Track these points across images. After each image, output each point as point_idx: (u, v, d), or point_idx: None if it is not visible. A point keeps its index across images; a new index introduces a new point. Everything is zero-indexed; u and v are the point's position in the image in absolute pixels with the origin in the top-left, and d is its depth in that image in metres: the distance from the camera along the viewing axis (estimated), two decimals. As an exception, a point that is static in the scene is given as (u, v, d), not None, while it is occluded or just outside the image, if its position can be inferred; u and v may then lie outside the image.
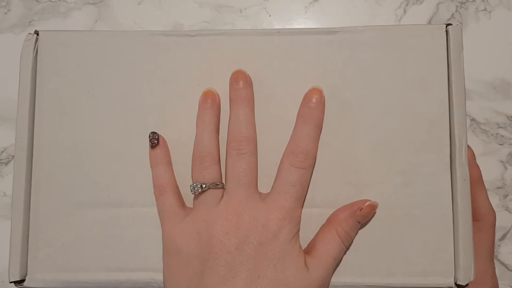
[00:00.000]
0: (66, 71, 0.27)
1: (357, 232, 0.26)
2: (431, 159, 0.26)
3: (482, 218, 0.31)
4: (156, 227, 0.26)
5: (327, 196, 0.26)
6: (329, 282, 0.25)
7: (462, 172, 0.25)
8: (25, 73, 0.27)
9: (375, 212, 0.26)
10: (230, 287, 0.23)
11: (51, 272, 0.26)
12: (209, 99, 0.26)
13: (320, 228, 0.26)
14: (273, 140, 0.26)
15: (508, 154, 0.41)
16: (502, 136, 0.42)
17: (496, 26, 0.43)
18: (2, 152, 0.43)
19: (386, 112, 0.26)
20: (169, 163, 0.27)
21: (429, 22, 0.43)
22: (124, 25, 0.43)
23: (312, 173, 0.26)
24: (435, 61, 0.26)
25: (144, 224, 0.27)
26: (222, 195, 0.26)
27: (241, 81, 0.26)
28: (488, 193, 0.32)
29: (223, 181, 0.26)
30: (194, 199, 0.26)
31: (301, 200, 0.26)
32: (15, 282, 0.26)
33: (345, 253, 0.26)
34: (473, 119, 0.42)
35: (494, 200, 0.40)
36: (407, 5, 0.43)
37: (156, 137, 0.26)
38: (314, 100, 0.26)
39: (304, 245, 0.26)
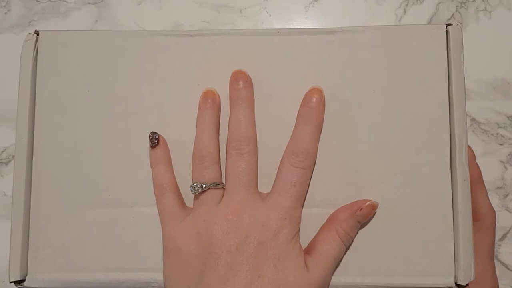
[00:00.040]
0: (66, 71, 0.27)
1: (357, 232, 0.26)
2: (431, 159, 0.26)
3: (482, 218, 0.31)
4: (156, 227, 0.26)
5: (327, 196, 0.26)
6: (329, 282, 0.25)
7: (462, 172, 0.25)
8: (25, 73, 0.27)
9: (375, 212, 0.26)
10: (230, 287, 0.23)
11: (51, 272, 0.26)
12: (209, 99, 0.26)
13: (320, 228, 0.26)
14: (273, 140, 0.26)
15: (508, 154, 0.41)
16: (502, 136, 0.42)
17: (496, 26, 0.43)
18: (2, 152, 0.43)
19: (386, 112, 0.26)
20: (169, 163, 0.27)
21: (429, 22, 0.43)
22: (124, 25, 0.43)
23: (312, 173, 0.26)
24: (435, 61, 0.26)
25: (144, 224, 0.27)
26: (222, 195, 0.26)
27: (241, 81, 0.26)
28: (488, 193, 0.32)
29: (223, 181, 0.26)
30: (194, 199, 0.26)
31: (301, 200, 0.26)
32: (15, 282, 0.26)
33: (345, 253, 0.26)
34: (473, 119, 0.42)
35: (494, 200, 0.40)
36: (407, 5, 0.43)
37: (156, 137, 0.26)
38: (314, 100, 0.26)
39: (304, 245, 0.26)
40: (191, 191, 0.25)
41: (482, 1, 0.43)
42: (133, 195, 0.27)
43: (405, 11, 0.43)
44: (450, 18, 0.43)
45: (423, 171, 0.26)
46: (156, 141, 0.26)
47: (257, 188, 0.26)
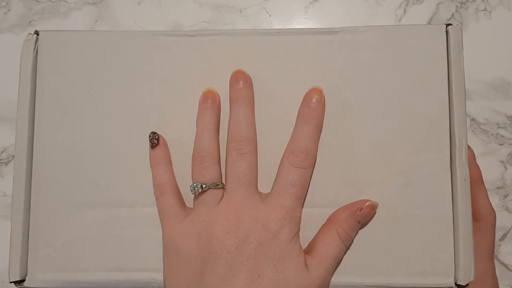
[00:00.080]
0: (66, 71, 0.27)
1: (357, 232, 0.26)
2: (431, 159, 0.26)
3: (482, 218, 0.31)
4: (156, 227, 0.26)
5: (327, 196, 0.26)
6: (329, 282, 0.25)
7: (462, 172, 0.25)
8: (25, 73, 0.27)
9: (375, 212, 0.26)
10: (230, 287, 0.23)
11: (51, 272, 0.26)
12: (209, 99, 0.26)
13: (320, 228, 0.26)
14: (273, 140, 0.26)
15: (508, 154, 0.41)
16: (502, 136, 0.42)
17: (496, 26, 0.43)
18: (2, 152, 0.43)
19: (386, 112, 0.26)
20: (169, 163, 0.27)
21: (429, 22, 0.43)
22: (124, 25, 0.43)
23: (312, 173, 0.26)
24: (435, 61, 0.26)
25: (144, 224, 0.27)
26: (222, 195, 0.25)
27: (241, 81, 0.26)
28: (488, 193, 0.32)
29: (223, 181, 0.26)
30: (194, 199, 0.26)
31: (301, 200, 0.26)
32: (15, 282, 0.26)
33: (345, 253, 0.26)
34: (473, 119, 0.42)
35: (494, 200, 0.40)
36: (407, 5, 0.43)
37: (156, 137, 0.26)
38: (314, 100, 0.26)
39: (304, 245, 0.26)
40: (191, 191, 0.25)
41: (482, 1, 0.43)
42: (133, 195, 0.27)
43: (405, 11, 0.43)
44: (450, 18, 0.43)
45: (423, 171, 0.26)
46: (156, 141, 0.26)
47: (257, 188, 0.26)
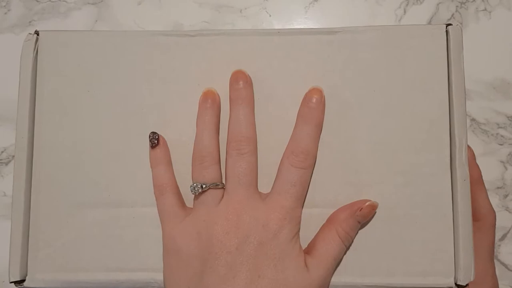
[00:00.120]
0: (66, 71, 0.27)
1: (357, 232, 0.26)
2: (431, 159, 0.26)
3: (482, 218, 0.31)
4: (156, 227, 0.26)
5: (327, 196, 0.26)
6: (329, 282, 0.25)
7: (462, 172, 0.25)
8: (25, 73, 0.27)
9: (375, 212, 0.26)
10: (230, 287, 0.23)
11: (51, 272, 0.26)
12: (209, 99, 0.26)
13: (320, 228, 0.26)
14: (273, 140, 0.26)
15: (508, 154, 0.41)
16: (502, 136, 0.42)
17: (496, 26, 0.43)
18: (2, 152, 0.43)
19: (386, 112, 0.26)
20: (169, 163, 0.27)
21: (429, 22, 0.43)
22: (124, 25, 0.43)
23: (312, 173, 0.26)
24: (435, 61, 0.26)
25: (144, 224, 0.27)
26: (222, 195, 0.25)
27: (241, 81, 0.26)
28: (488, 193, 0.32)
29: (223, 181, 0.26)
30: (194, 199, 0.26)
31: (301, 200, 0.26)
32: (15, 282, 0.26)
33: (345, 253, 0.26)
34: (473, 119, 0.42)
35: (494, 200, 0.40)
36: (407, 5, 0.43)
37: (156, 137, 0.26)
38: (314, 100, 0.26)
39: (304, 245, 0.26)
40: (191, 191, 0.25)
41: (482, 1, 0.43)
42: (133, 195, 0.27)
43: (405, 11, 0.43)
44: (450, 18, 0.43)
45: (423, 171, 0.26)
46: (156, 141, 0.26)
47: (257, 188, 0.26)
